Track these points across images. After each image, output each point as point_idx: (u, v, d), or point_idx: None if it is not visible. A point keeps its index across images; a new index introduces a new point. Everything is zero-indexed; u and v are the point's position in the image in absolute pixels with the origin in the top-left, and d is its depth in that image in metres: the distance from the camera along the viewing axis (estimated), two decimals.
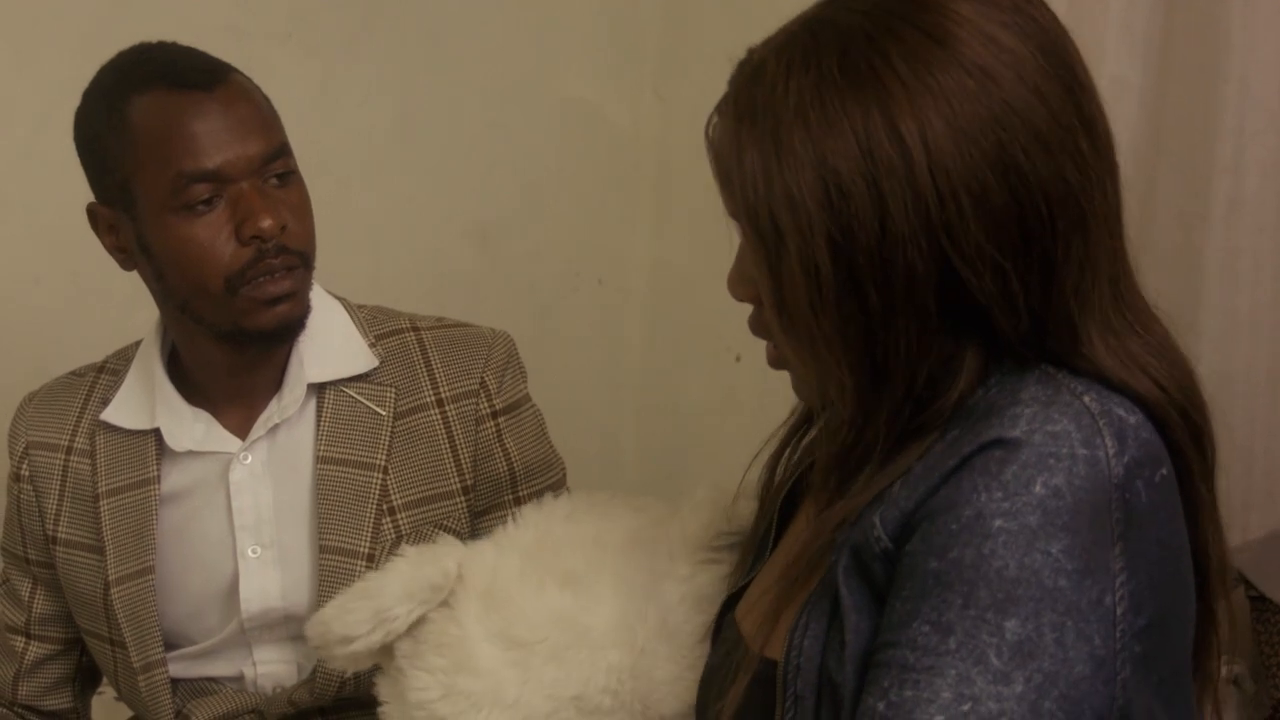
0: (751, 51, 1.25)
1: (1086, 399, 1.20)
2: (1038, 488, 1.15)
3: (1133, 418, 1.20)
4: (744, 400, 2.67)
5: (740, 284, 1.30)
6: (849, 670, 1.20)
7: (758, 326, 1.31)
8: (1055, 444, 1.16)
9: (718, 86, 1.26)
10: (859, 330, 1.20)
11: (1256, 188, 2.21)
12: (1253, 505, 2.28)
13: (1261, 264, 2.25)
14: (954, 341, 1.22)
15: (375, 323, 1.89)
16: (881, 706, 1.14)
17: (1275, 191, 2.21)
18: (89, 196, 1.80)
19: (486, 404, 1.85)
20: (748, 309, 1.32)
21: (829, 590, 1.23)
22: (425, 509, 1.83)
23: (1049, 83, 1.19)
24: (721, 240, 1.30)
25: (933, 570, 1.16)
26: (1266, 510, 2.29)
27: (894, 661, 1.16)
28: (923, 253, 1.17)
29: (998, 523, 1.14)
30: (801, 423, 1.44)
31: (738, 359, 2.75)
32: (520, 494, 1.88)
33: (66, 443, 1.88)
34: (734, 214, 1.24)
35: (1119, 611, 1.17)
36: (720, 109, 1.25)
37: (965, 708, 1.12)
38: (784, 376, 1.37)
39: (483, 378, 1.86)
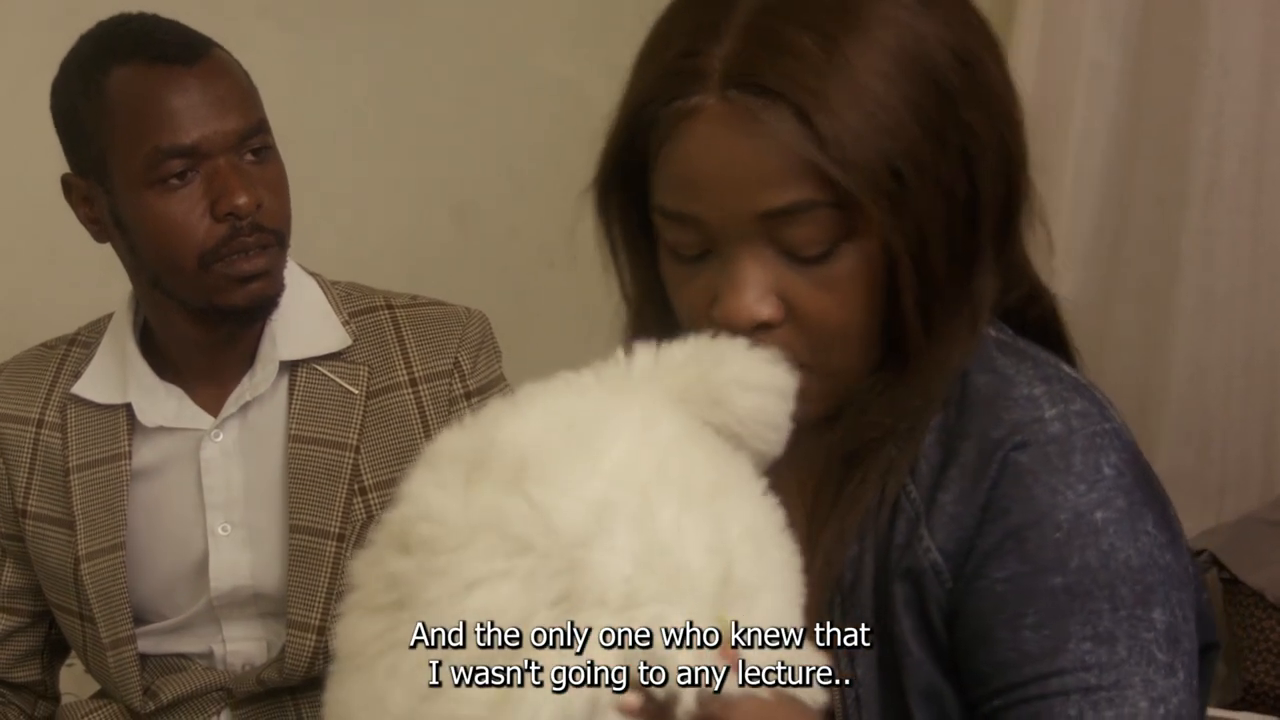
0: (720, 38, 1.13)
1: (1064, 369, 1.17)
2: (1106, 469, 1.10)
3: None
4: None
5: (765, 300, 1.13)
6: (916, 702, 1.13)
7: (795, 343, 1.13)
8: (1088, 423, 1.12)
9: None
10: (964, 274, 1.14)
11: (1234, 171, 2.22)
12: (1228, 487, 2.29)
13: (1239, 247, 2.25)
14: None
15: (349, 300, 1.88)
16: None
17: (1253, 175, 2.22)
18: (61, 169, 1.78)
19: (460, 384, 1.84)
20: None
21: (865, 615, 1.15)
22: (397, 489, 1.81)
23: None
24: None
25: (1060, 586, 1.09)
26: (1240, 491, 2.30)
27: (1071, 688, 1.08)
28: (1001, 185, 1.14)
29: (1099, 515, 1.09)
30: None
31: None
32: None
33: (37, 416, 1.87)
34: (809, 194, 1.09)
35: (1191, 572, 1.15)
36: (732, 97, 1.10)
37: (1161, 711, 1.07)
38: None
39: (457, 358, 1.85)
